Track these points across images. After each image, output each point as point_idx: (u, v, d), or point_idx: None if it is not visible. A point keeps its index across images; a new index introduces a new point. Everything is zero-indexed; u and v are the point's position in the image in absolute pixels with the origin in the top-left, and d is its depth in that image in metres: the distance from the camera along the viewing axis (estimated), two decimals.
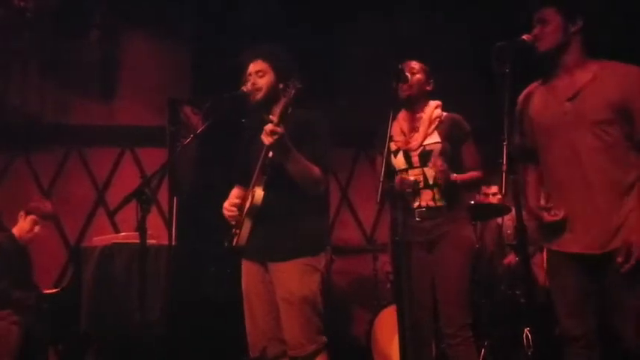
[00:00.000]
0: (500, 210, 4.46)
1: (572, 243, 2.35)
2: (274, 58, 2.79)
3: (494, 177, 4.32)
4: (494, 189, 4.71)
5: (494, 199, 4.73)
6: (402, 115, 3.16)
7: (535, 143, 2.51)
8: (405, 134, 3.09)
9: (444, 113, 3.10)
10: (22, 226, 4.26)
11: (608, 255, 2.27)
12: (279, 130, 2.47)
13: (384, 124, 2.73)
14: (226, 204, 2.78)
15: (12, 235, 4.24)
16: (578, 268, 2.35)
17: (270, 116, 2.58)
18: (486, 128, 2.93)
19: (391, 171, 2.66)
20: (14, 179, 5.62)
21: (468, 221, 3.14)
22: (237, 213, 2.72)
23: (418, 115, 3.10)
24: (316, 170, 2.65)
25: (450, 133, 3.03)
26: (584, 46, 2.41)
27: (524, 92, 2.58)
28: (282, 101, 2.58)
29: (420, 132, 3.05)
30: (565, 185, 2.38)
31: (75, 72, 5.70)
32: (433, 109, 3.09)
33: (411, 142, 3.05)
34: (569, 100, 2.37)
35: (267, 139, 2.50)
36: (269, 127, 2.48)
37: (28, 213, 4.27)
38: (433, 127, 3.05)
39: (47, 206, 4.42)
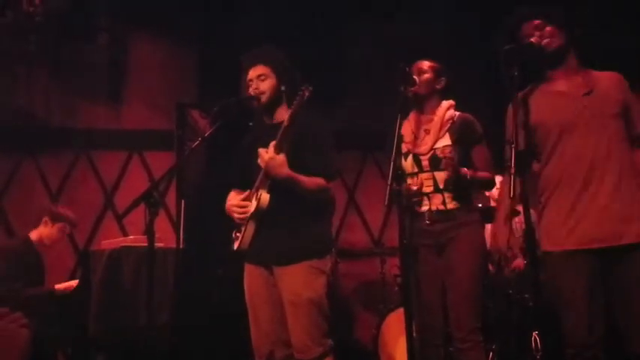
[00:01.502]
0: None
1: (582, 239, 2.32)
2: (274, 61, 2.81)
3: (500, 169, 4.33)
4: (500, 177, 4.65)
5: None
6: (413, 116, 3.12)
7: (535, 147, 2.51)
8: (415, 137, 3.07)
9: (457, 113, 3.04)
10: (45, 232, 4.24)
11: (623, 248, 2.26)
12: (277, 160, 2.55)
13: (393, 126, 2.73)
14: (234, 204, 2.77)
15: (28, 240, 4.23)
16: (586, 268, 2.32)
17: (272, 143, 2.60)
18: (492, 130, 2.93)
19: (399, 174, 2.65)
20: (22, 183, 5.63)
21: (479, 224, 3.07)
22: (248, 214, 2.71)
23: (429, 117, 3.05)
24: (319, 182, 2.67)
25: (461, 135, 2.97)
26: (578, 56, 2.50)
27: (519, 97, 2.57)
28: (294, 105, 2.58)
29: (431, 135, 3.00)
30: (585, 179, 2.35)
31: (82, 76, 5.72)
32: (445, 110, 3.03)
33: (421, 146, 3.01)
34: (586, 95, 2.43)
35: (262, 162, 2.57)
36: (267, 156, 2.56)
37: (54, 220, 4.26)
38: (445, 129, 2.99)
39: (71, 214, 4.44)
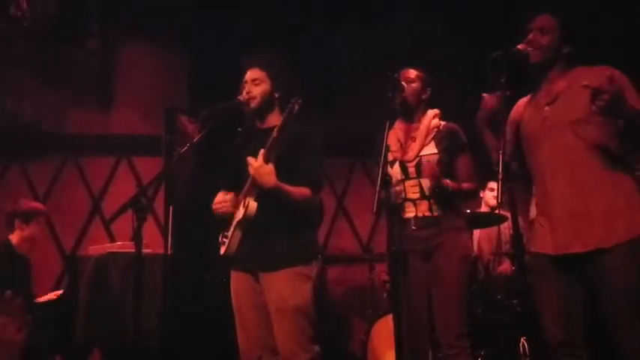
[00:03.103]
0: (496, 219, 4.46)
1: (555, 245, 2.36)
2: (271, 66, 2.79)
3: (491, 175, 4.37)
4: (492, 184, 4.71)
5: (493, 196, 4.74)
6: (399, 124, 3.15)
7: (524, 155, 2.54)
8: (401, 144, 3.09)
9: (442, 122, 3.08)
10: (24, 235, 4.11)
11: (593, 254, 2.27)
12: (265, 169, 2.53)
13: (381, 133, 2.74)
14: (217, 199, 2.76)
15: (8, 243, 4.10)
16: (562, 271, 2.35)
17: (262, 150, 2.58)
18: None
19: (387, 181, 2.67)
20: (9, 188, 5.59)
21: (464, 230, 3.12)
22: (229, 206, 2.70)
23: (415, 125, 3.09)
24: (306, 192, 2.67)
25: (446, 143, 3.01)
26: (569, 61, 2.46)
27: (515, 107, 2.61)
28: (284, 117, 2.57)
29: (417, 142, 3.03)
30: (549, 188, 2.40)
31: (72, 81, 5.70)
32: (431, 118, 3.07)
33: (408, 153, 3.04)
34: (548, 104, 2.43)
35: (251, 170, 2.56)
36: (256, 164, 2.53)
37: (27, 220, 4.12)
38: (430, 137, 3.04)
39: (37, 204, 4.33)
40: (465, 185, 3.01)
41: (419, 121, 3.09)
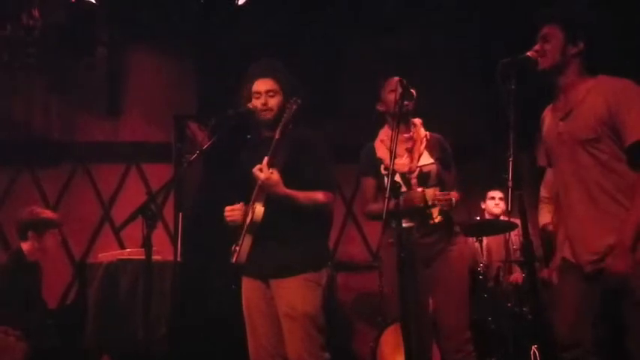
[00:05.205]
0: (506, 226, 4.44)
1: (572, 257, 2.38)
2: (282, 77, 2.82)
3: (494, 183, 4.43)
4: (499, 193, 4.75)
5: (500, 203, 4.76)
6: (387, 134, 3.11)
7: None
8: (397, 157, 3.07)
9: (427, 132, 3.13)
10: (39, 246, 3.98)
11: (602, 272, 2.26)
12: (272, 180, 2.54)
13: (369, 144, 2.74)
14: (227, 208, 2.77)
15: (19, 252, 4.01)
16: (580, 276, 2.34)
17: (265, 157, 2.59)
18: (487, 143, 2.94)
19: (396, 188, 2.69)
20: (20, 196, 5.62)
21: (463, 236, 3.22)
22: (239, 214, 2.71)
23: (407, 135, 3.09)
24: (318, 196, 2.67)
25: (438, 154, 3.08)
26: (584, 66, 2.38)
27: (542, 117, 2.59)
28: (283, 118, 2.59)
29: (415, 153, 3.08)
30: (565, 204, 2.40)
31: (81, 89, 5.74)
32: (419, 127, 3.13)
33: (408, 165, 3.06)
34: (562, 119, 2.40)
35: (258, 176, 2.56)
36: (262, 176, 2.54)
37: (40, 230, 3.96)
38: (423, 146, 3.09)
39: (51, 213, 4.29)
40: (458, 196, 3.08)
41: (407, 130, 3.11)
